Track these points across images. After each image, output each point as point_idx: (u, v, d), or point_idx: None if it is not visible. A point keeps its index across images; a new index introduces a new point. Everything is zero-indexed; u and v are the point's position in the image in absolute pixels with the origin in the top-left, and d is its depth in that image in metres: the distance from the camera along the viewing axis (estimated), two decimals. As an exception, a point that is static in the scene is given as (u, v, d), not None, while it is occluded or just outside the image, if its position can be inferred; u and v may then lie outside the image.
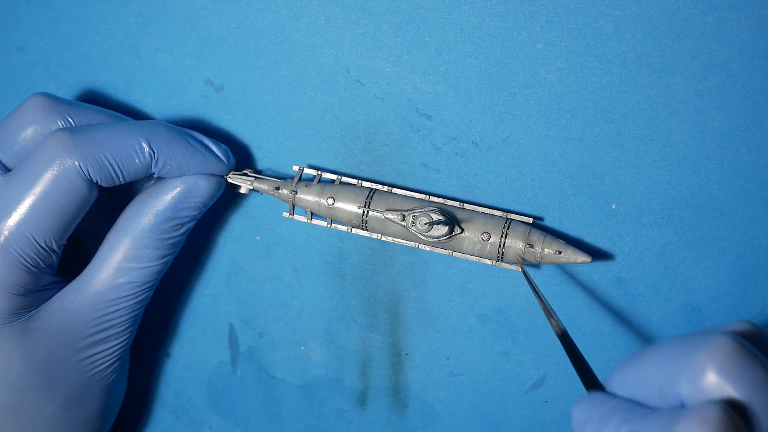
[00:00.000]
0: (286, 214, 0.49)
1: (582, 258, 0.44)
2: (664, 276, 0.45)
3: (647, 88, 0.43)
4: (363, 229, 0.47)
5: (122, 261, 0.47)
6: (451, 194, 0.47)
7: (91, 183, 0.45)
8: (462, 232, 0.45)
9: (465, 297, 0.49)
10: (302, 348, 0.53)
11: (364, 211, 0.47)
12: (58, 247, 0.45)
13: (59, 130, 0.44)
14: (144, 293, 0.48)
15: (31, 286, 0.46)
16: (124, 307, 0.47)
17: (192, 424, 0.57)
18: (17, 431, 0.48)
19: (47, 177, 0.44)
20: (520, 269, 0.45)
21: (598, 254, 0.46)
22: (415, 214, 0.45)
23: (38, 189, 0.44)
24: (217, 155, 0.47)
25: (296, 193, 0.48)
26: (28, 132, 0.46)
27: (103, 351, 0.48)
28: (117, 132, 0.45)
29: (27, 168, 0.44)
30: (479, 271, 0.48)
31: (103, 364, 0.48)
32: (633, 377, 0.35)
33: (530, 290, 0.47)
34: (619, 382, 0.35)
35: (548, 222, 0.46)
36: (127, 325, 0.48)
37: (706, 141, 0.43)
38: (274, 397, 0.54)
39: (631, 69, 0.43)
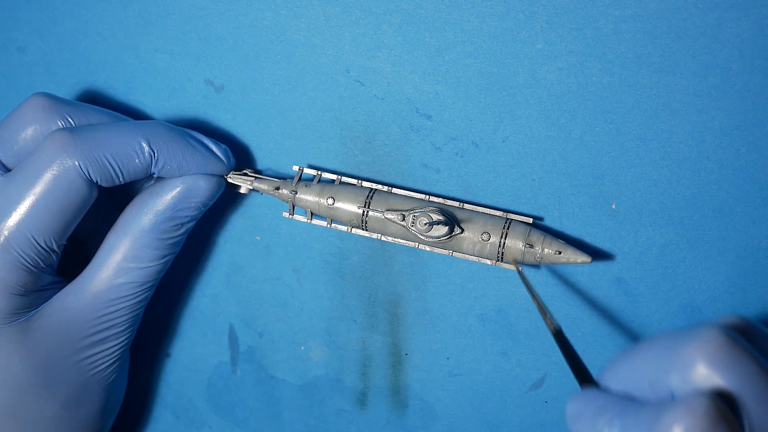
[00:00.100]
0: (286, 214, 0.49)
1: (582, 258, 0.44)
2: (664, 276, 0.45)
3: (647, 88, 0.43)
4: (363, 229, 0.47)
5: (122, 261, 0.47)
6: (451, 194, 0.47)
7: (91, 183, 0.45)
8: (462, 232, 0.45)
9: (465, 297, 0.49)
10: (302, 348, 0.53)
11: (364, 211, 0.47)
12: (58, 247, 0.45)
13: (59, 130, 0.44)
14: (144, 293, 0.48)
15: (31, 286, 0.46)
16: (124, 307, 0.47)
17: (192, 424, 0.57)
18: (17, 431, 0.48)
19: (47, 177, 0.44)
20: (515, 268, 0.45)
21: (598, 254, 0.46)
22: (415, 214, 0.45)
23: (38, 189, 0.44)
24: (217, 155, 0.47)
25: (296, 193, 0.48)
26: (28, 132, 0.46)
27: (103, 351, 0.48)
28: (117, 132, 0.45)
29: (27, 168, 0.44)
30: (479, 271, 0.48)
31: (103, 364, 0.48)
32: (625, 372, 0.35)
33: (526, 288, 0.47)
34: (611, 378, 0.36)
35: (548, 222, 0.46)
36: (127, 325, 0.48)
37: (706, 141, 0.43)
38: (274, 397, 0.54)
39: (631, 69, 0.43)
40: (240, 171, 0.49)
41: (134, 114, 0.52)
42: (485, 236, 0.45)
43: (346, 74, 0.47)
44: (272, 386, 0.54)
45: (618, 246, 0.46)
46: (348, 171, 0.49)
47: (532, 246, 0.44)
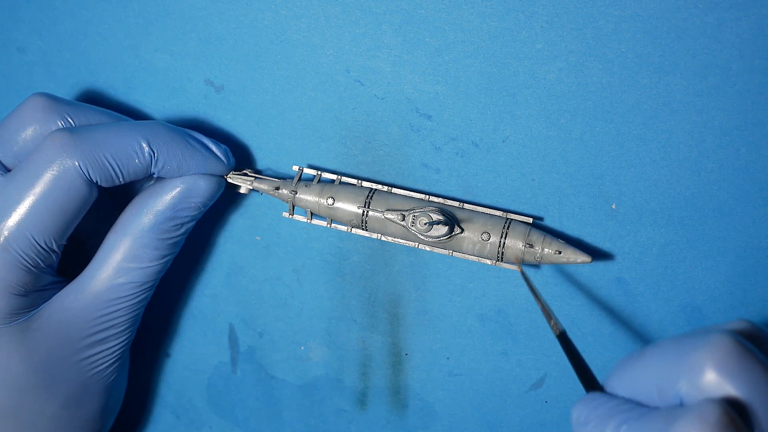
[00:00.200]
0: (286, 214, 0.49)
1: (582, 258, 0.44)
2: (664, 276, 0.45)
3: (647, 88, 0.43)
4: (363, 229, 0.47)
5: (122, 261, 0.47)
6: (451, 194, 0.47)
7: (91, 183, 0.45)
8: (462, 232, 0.45)
9: (465, 297, 0.49)
10: (302, 348, 0.53)
11: (364, 211, 0.47)
12: (58, 247, 0.45)
13: (59, 130, 0.44)
14: (144, 293, 0.48)
15: (31, 286, 0.46)
16: (124, 307, 0.47)
17: (192, 424, 0.57)
18: (17, 431, 0.48)
19: (47, 177, 0.44)
20: (518, 269, 0.45)
21: (598, 254, 0.46)
22: (415, 214, 0.45)
23: (38, 189, 0.44)
24: (217, 155, 0.47)
25: (296, 193, 0.48)
26: (28, 132, 0.46)
27: (103, 351, 0.48)
28: (117, 132, 0.45)
29: (27, 168, 0.44)
30: (479, 271, 0.48)
31: (103, 364, 0.48)
32: (632, 377, 0.35)
33: (530, 290, 0.47)
34: (618, 383, 0.35)
35: (548, 222, 0.46)
36: (127, 325, 0.48)
37: (706, 141, 0.43)
38: (274, 397, 0.54)
39: (631, 69, 0.43)
40: (240, 171, 0.49)
41: (134, 114, 0.52)
42: (485, 236, 0.45)
43: (346, 74, 0.47)
44: (272, 386, 0.54)
45: (618, 246, 0.46)
46: (348, 171, 0.49)
47: (532, 246, 0.44)
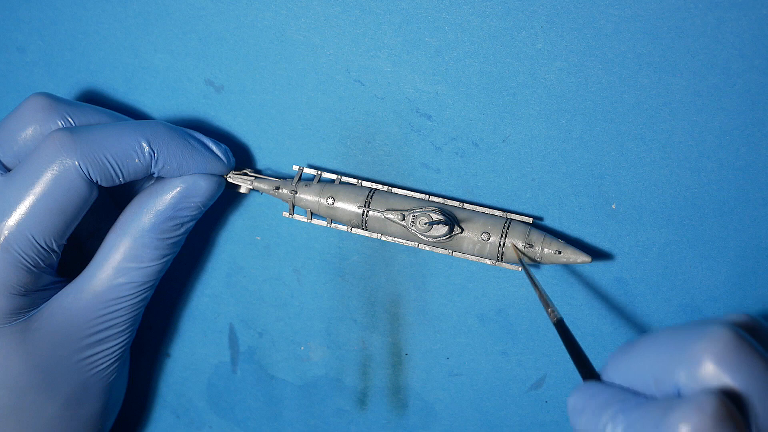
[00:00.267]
0: (286, 214, 0.49)
1: (582, 258, 0.44)
2: (664, 276, 0.45)
3: (647, 88, 0.43)
4: (363, 229, 0.47)
5: (122, 261, 0.47)
6: (451, 194, 0.47)
7: (91, 183, 0.45)
8: (462, 232, 0.45)
9: (465, 297, 0.49)
10: (302, 348, 0.53)
11: (364, 211, 0.47)
12: (58, 247, 0.45)
13: (59, 130, 0.44)
14: (144, 293, 0.48)
15: (31, 286, 0.46)
16: (124, 307, 0.47)
17: (192, 424, 0.57)
18: (17, 431, 0.48)
19: (47, 177, 0.44)
20: (517, 260, 0.45)
21: (598, 254, 0.46)
22: (415, 214, 0.45)
23: (38, 189, 0.44)
24: (217, 155, 0.47)
25: (296, 192, 0.48)
26: (28, 132, 0.46)
27: (103, 351, 0.48)
28: (117, 132, 0.45)
29: (27, 168, 0.44)
30: (479, 271, 0.48)
31: (103, 364, 0.48)
32: (629, 366, 0.35)
33: (530, 289, 0.47)
34: (614, 371, 0.35)
35: (548, 222, 0.46)
36: (127, 325, 0.48)
37: (706, 141, 0.43)
38: (274, 397, 0.54)
39: (631, 69, 0.43)
40: (240, 171, 0.49)
41: (134, 114, 0.52)
42: (485, 236, 0.45)
43: (346, 74, 0.47)
44: (272, 386, 0.54)
45: (618, 246, 0.46)
46: (348, 171, 0.49)
47: (532, 246, 0.44)
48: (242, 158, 0.51)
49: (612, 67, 0.43)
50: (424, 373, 0.51)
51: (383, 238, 0.47)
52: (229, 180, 0.49)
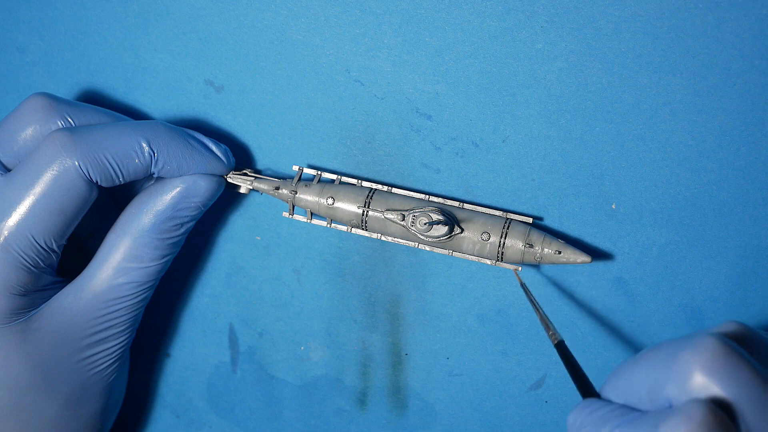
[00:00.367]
0: (286, 214, 0.49)
1: (582, 258, 0.44)
2: (664, 276, 0.45)
3: (647, 88, 0.43)
4: (363, 229, 0.47)
5: (122, 261, 0.47)
6: (451, 194, 0.47)
7: (91, 183, 0.45)
8: (462, 232, 0.45)
9: (465, 297, 0.49)
10: (302, 348, 0.53)
11: (363, 211, 0.47)
12: (58, 247, 0.45)
13: (59, 130, 0.44)
14: (144, 293, 0.48)
15: (31, 286, 0.46)
16: (124, 307, 0.47)
17: (192, 424, 0.57)
18: (17, 431, 0.48)
19: (47, 177, 0.44)
20: (516, 276, 0.45)
21: (598, 254, 0.46)
22: (415, 214, 0.45)
23: (38, 189, 0.44)
24: (216, 155, 0.47)
25: (296, 192, 0.48)
26: (28, 132, 0.46)
27: (103, 351, 0.48)
28: (117, 132, 0.45)
29: (27, 168, 0.44)
30: (479, 271, 0.48)
31: (103, 364, 0.48)
32: (625, 383, 0.35)
33: (529, 301, 0.47)
34: (612, 389, 0.36)
35: (548, 222, 0.46)
36: (127, 325, 0.48)
37: (706, 141, 0.43)
38: (274, 397, 0.54)
39: (631, 69, 0.43)
40: (240, 171, 0.49)
41: (134, 114, 0.52)
42: (485, 236, 0.45)
43: (346, 74, 0.47)
44: (272, 386, 0.54)
45: (618, 246, 0.46)
46: (348, 171, 0.49)
47: (531, 246, 0.44)
48: (242, 158, 0.51)
49: (612, 67, 0.43)
50: (424, 373, 0.51)
51: (383, 238, 0.47)
52: (229, 180, 0.49)
